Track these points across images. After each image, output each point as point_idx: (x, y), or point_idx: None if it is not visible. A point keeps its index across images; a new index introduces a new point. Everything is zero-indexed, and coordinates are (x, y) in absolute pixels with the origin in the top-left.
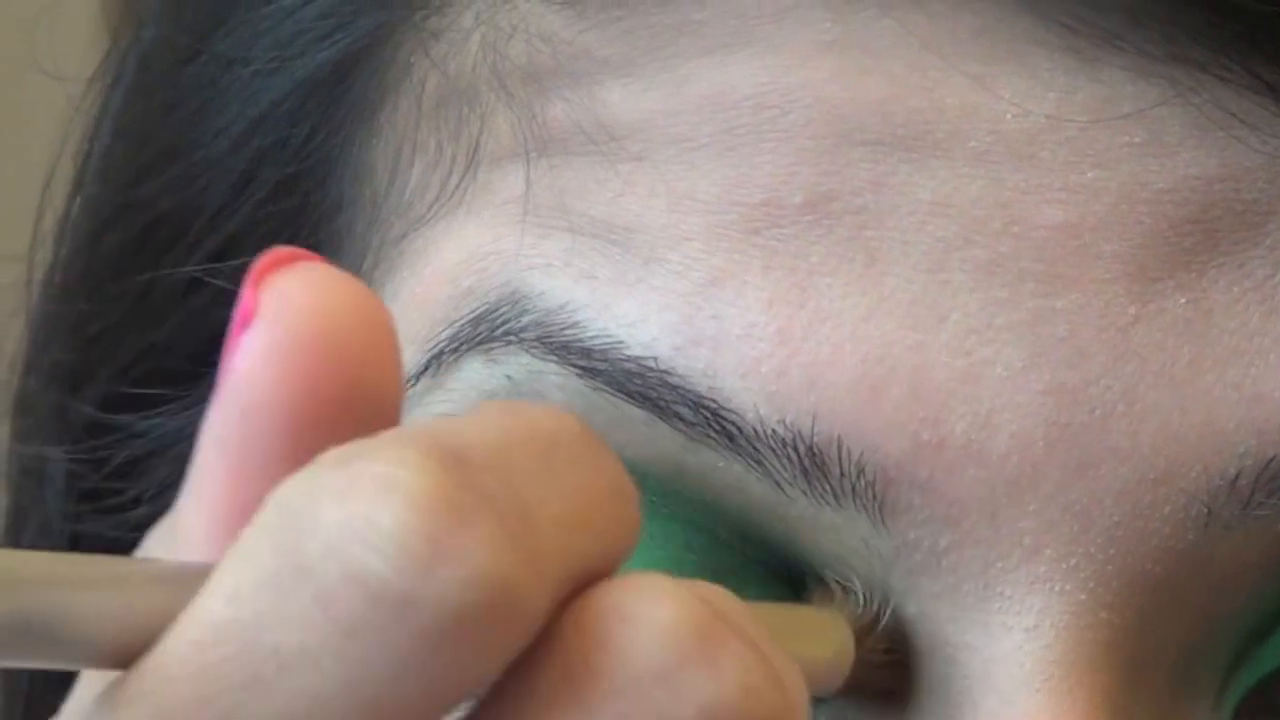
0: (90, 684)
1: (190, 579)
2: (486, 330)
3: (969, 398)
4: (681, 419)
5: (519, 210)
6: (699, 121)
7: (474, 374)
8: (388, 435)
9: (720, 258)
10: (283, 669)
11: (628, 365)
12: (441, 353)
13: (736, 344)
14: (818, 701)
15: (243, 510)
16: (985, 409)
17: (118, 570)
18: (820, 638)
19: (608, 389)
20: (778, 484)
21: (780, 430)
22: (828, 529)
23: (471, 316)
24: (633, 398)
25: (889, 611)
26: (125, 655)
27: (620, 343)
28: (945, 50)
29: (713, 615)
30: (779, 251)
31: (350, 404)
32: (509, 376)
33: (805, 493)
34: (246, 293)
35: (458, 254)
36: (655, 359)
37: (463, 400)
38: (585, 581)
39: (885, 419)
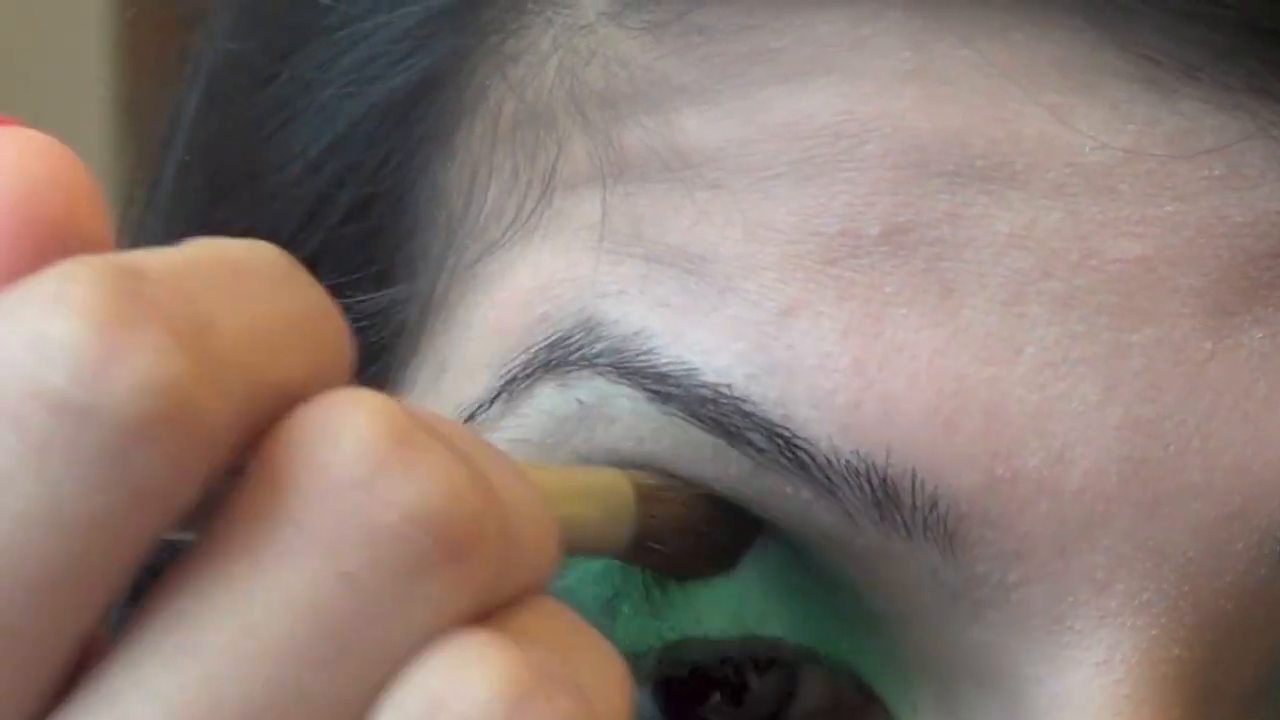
0: None
1: None
2: (560, 356)
3: (1043, 432)
4: (752, 445)
5: (594, 236)
6: (776, 150)
7: (546, 399)
8: (64, 260)
9: (795, 287)
10: None
11: (701, 391)
12: (515, 378)
13: (810, 374)
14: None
15: None
16: (1059, 444)
17: None
18: (586, 496)
19: (680, 414)
20: (848, 514)
21: (854, 461)
22: (895, 559)
23: (545, 343)
24: (704, 423)
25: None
26: None
27: (695, 369)
28: (1024, 81)
29: (416, 423)
30: (855, 282)
31: (57, 259)
32: (580, 400)
33: (875, 523)
34: None
35: (532, 280)
36: (729, 386)
37: (535, 424)
38: (285, 401)
39: (959, 452)
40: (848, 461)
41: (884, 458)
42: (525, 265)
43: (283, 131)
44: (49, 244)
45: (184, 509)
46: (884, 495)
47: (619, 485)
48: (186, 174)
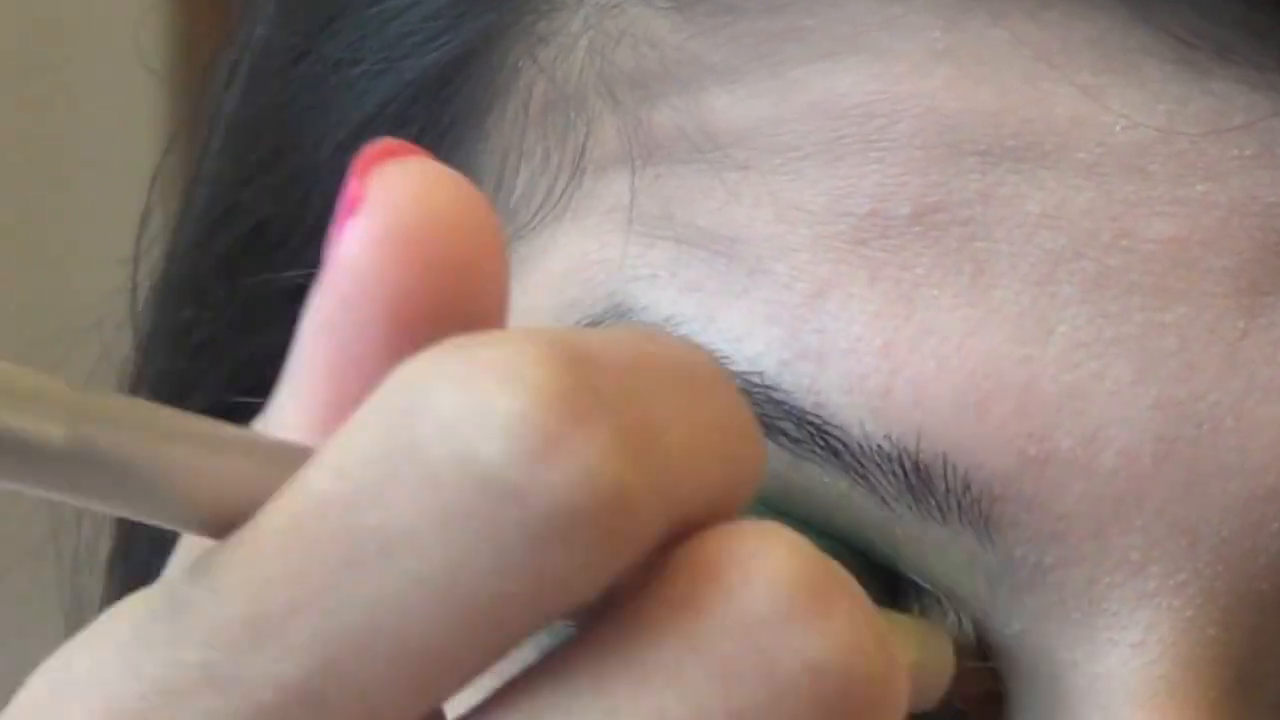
0: (188, 551)
1: (295, 455)
2: None
3: (1076, 412)
4: (786, 435)
5: (624, 219)
6: (806, 130)
7: None
8: (514, 329)
9: (826, 269)
10: (383, 549)
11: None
12: None
13: (842, 358)
14: (919, 717)
15: (340, 401)
16: (1093, 424)
17: (223, 433)
18: (922, 646)
19: None
20: (884, 500)
21: (885, 446)
22: (934, 545)
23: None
24: None
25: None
26: (220, 522)
27: (726, 358)
28: (1057, 60)
29: (829, 572)
30: (886, 263)
31: (456, 299)
32: None
33: (911, 508)
34: (352, 181)
35: (563, 263)
36: (761, 374)
37: None
38: (703, 516)
39: (992, 434)
40: (879, 447)
41: (915, 442)
42: (555, 248)
43: (314, 110)
44: (457, 291)
45: (582, 607)
46: (917, 479)
47: (940, 635)
48: (224, 155)
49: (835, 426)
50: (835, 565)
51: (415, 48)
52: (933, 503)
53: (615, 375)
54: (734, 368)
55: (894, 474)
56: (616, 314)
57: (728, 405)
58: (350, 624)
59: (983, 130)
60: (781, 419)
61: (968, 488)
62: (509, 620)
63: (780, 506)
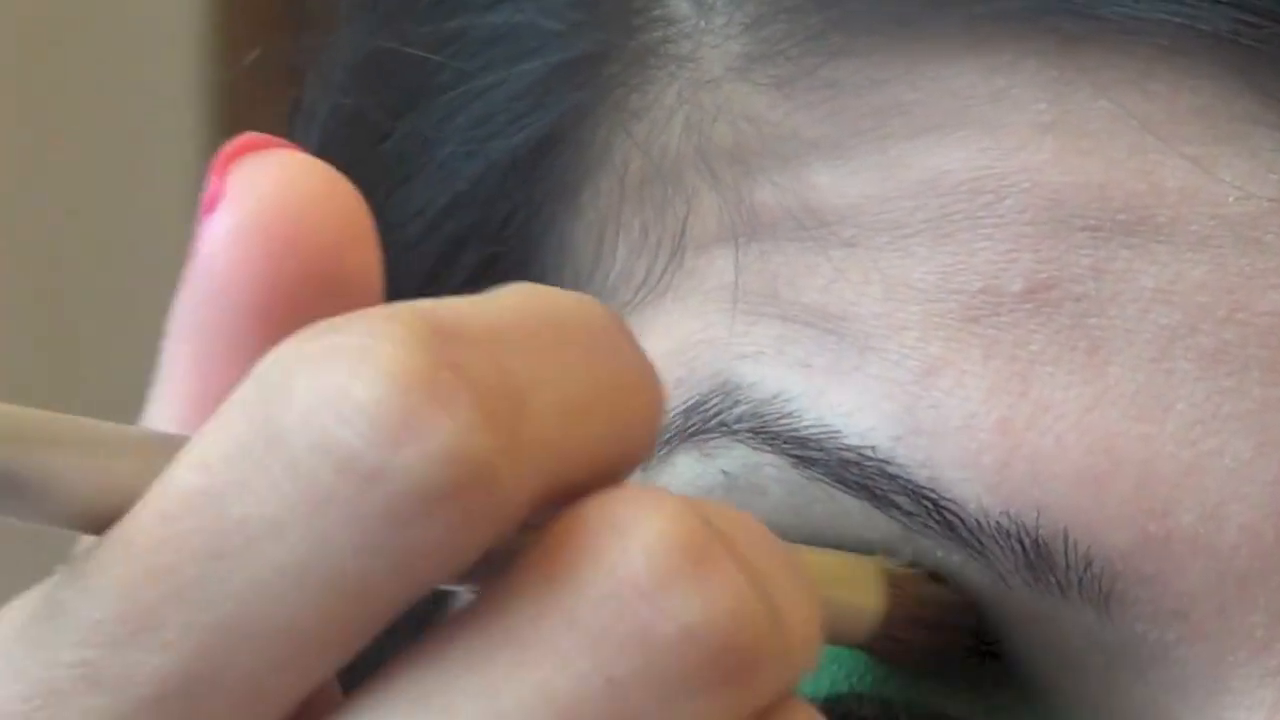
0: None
1: (172, 448)
2: (699, 422)
3: (1196, 489)
4: (899, 508)
5: (728, 297)
6: (913, 207)
7: (687, 469)
8: (374, 309)
9: (938, 346)
10: (249, 541)
11: (845, 454)
12: None
13: (956, 434)
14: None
15: (208, 396)
16: (1213, 500)
17: (97, 432)
18: (844, 582)
19: (825, 479)
20: (1000, 575)
21: (1004, 523)
22: (1050, 620)
23: (682, 408)
24: (850, 487)
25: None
26: (100, 520)
27: (837, 432)
28: (1164, 131)
29: (711, 535)
30: (998, 340)
31: (322, 288)
32: (725, 471)
33: (1029, 584)
34: (212, 180)
35: (666, 343)
36: (873, 448)
37: None
38: (591, 474)
39: (1111, 511)
40: (998, 523)
41: (1035, 518)
42: (658, 328)
43: (401, 190)
44: (316, 266)
45: (454, 578)
46: (1036, 556)
47: (868, 570)
48: None
49: (950, 501)
50: (725, 524)
51: (503, 126)
52: (1053, 580)
53: (481, 345)
54: (845, 442)
55: (1012, 550)
56: (723, 392)
57: (616, 359)
58: (221, 615)
59: (1091, 204)
60: (896, 493)
61: (1089, 565)
62: (377, 599)
63: None
